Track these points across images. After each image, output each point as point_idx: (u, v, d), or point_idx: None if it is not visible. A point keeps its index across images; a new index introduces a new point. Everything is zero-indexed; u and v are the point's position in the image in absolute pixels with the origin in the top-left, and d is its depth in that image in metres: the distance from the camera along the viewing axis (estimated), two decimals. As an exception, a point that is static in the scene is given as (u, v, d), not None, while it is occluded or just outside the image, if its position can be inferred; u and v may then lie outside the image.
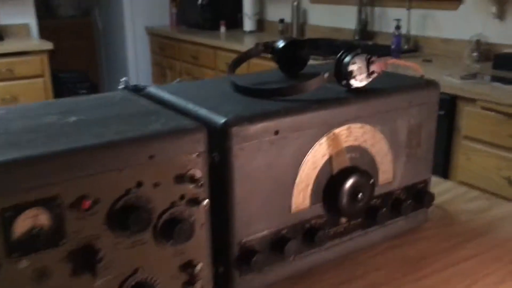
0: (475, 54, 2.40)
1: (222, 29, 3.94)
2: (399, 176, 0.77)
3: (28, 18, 3.64)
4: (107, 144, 0.52)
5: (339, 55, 0.71)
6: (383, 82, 0.80)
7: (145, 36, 4.42)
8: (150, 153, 0.54)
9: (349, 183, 0.69)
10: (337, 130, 0.68)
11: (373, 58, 0.70)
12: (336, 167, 0.70)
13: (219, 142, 0.60)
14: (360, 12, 3.15)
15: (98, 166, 0.51)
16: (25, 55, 3.19)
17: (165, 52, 4.21)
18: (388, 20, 2.96)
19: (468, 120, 1.94)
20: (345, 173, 0.70)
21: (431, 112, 0.78)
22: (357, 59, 0.70)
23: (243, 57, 0.78)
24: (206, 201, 0.58)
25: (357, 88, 0.71)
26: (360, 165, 0.72)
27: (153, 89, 0.75)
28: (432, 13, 2.77)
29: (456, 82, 2.01)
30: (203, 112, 0.63)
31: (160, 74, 4.35)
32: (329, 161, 0.69)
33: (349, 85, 0.70)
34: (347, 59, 0.70)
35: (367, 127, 0.71)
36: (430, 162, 0.81)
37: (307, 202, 0.68)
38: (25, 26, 3.64)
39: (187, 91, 0.73)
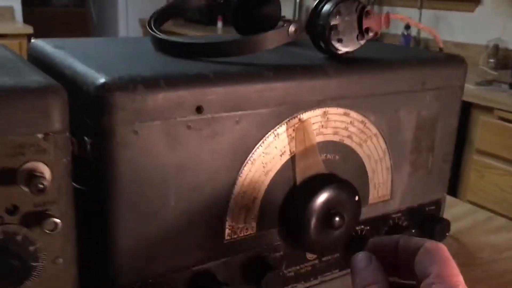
0: (492, 60, 2.15)
1: (219, 24, 3.71)
2: (399, 193, 0.52)
3: (13, 0, 3.43)
4: None
5: (316, 1, 0.46)
6: (384, 52, 0.55)
7: (139, 28, 4.20)
8: None
9: (320, 199, 0.44)
10: (305, 115, 0.43)
11: (369, 9, 0.46)
12: (301, 174, 0.45)
13: (92, 117, 0.35)
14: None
15: None
16: (3, 38, 2.98)
17: (159, 46, 3.97)
18: (397, 20, 2.71)
19: (483, 131, 1.69)
20: (315, 184, 0.45)
21: (452, 101, 0.53)
22: (343, 8, 0.45)
23: (172, 9, 0.53)
24: (57, 222, 0.33)
25: (342, 55, 0.46)
26: (340, 173, 0.47)
27: (40, 42, 0.50)
28: (446, 15, 2.52)
29: (470, 88, 1.75)
30: (79, 69, 0.38)
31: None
32: (291, 163, 0.44)
33: (329, 49, 0.46)
34: (327, 6, 0.45)
35: (354, 115, 0.46)
36: (447, 175, 0.56)
37: (251, 226, 0.43)
38: (9, 9, 3.43)
39: (88, 47, 0.48)
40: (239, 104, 0.39)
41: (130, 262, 0.38)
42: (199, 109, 0.37)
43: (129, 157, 0.35)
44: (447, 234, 0.56)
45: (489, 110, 1.67)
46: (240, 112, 0.40)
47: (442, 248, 0.31)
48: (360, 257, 0.35)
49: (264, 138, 0.41)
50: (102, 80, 0.34)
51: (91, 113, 0.35)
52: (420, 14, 2.59)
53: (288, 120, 0.42)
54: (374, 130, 0.48)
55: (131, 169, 0.36)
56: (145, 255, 0.38)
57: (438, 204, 0.56)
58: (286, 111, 0.42)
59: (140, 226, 0.37)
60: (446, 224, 0.55)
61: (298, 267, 0.48)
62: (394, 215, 0.53)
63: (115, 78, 0.34)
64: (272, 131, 0.42)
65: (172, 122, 0.36)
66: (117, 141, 0.35)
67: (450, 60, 0.52)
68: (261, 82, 0.40)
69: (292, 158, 0.44)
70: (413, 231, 0.54)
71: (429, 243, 0.32)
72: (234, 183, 0.41)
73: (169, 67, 0.39)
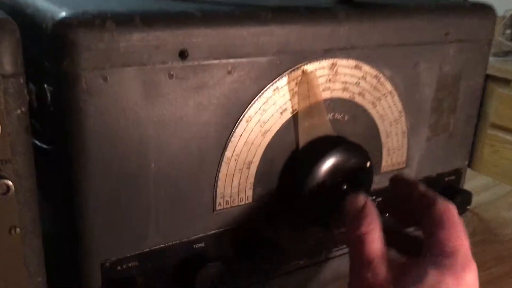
0: (508, 31, 2.05)
1: None
2: (416, 160, 0.46)
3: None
4: None
5: None
6: (401, -1, 0.49)
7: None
8: None
9: (327, 165, 0.38)
10: (310, 67, 0.37)
11: None
12: (305, 135, 0.39)
13: (52, 60, 0.29)
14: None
15: None
16: None
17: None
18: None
19: (499, 104, 1.61)
20: (321, 147, 0.39)
21: (478, 56, 0.47)
22: None
23: None
24: (9, 184, 0.28)
25: (354, -3, 0.40)
26: (349, 135, 0.41)
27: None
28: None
29: (486, 60, 1.67)
30: (41, 6, 0.32)
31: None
32: (293, 122, 0.38)
33: (340, -8, 0.39)
34: None
35: (367, 69, 0.40)
36: (469, 141, 0.50)
37: (246, 195, 0.38)
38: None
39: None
40: (232, 50, 0.33)
41: (103, 236, 0.32)
42: (182, 54, 0.31)
43: (97, 108, 0.30)
44: (467, 207, 0.50)
45: (505, 82, 1.59)
46: (232, 60, 0.33)
47: (451, 210, 0.31)
48: (353, 199, 0.33)
49: (261, 92, 0.35)
50: (62, 14, 0.28)
51: (50, 55, 0.29)
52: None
53: (290, 72, 0.36)
54: (389, 87, 0.42)
55: (100, 122, 0.30)
56: (120, 228, 0.33)
57: (458, 174, 0.50)
58: (288, 61, 0.36)
59: (114, 191, 0.32)
60: (468, 196, 0.49)
61: (299, 242, 0.42)
62: (409, 185, 0.47)
63: (78, 12, 0.28)
64: (270, 84, 0.36)
65: (150, 68, 0.30)
66: (83, 89, 0.29)
67: (477, 9, 0.46)
68: (258, 25, 0.34)
69: (294, 117, 0.38)
70: (431, 203, 0.49)
71: (440, 203, 0.31)
72: (225, 145, 0.35)
73: (148, 4, 0.33)
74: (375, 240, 0.31)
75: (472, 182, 0.70)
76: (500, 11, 2.19)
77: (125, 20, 0.29)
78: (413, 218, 0.34)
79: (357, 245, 0.32)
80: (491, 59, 1.73)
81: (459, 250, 0.30)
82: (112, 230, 0.32)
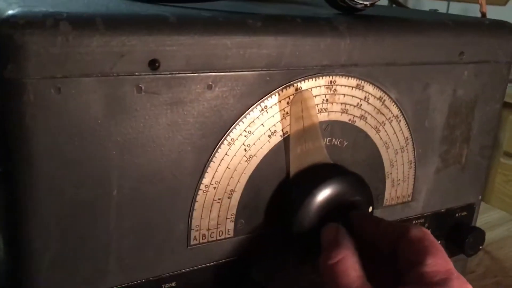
0: (523, 57, 2.00)
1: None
2: (423, 194, 0.42)
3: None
4: None
5: None
6: (412, 14, 0.44)
7: None
8: None
9: (320, 197, 0.33)
10: (304, 84, 0.33)
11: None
12: (297, 162, 0.34)
13: (-5, 66, 0.25)
14: (391, 1, 2.77)
15: None
16: None
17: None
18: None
19: (512, 132, 1.55)
20: (314, 177, 0.34)
21: (496, 80, 0.42)
22: None
23: None
24: None
25: (358, 9, 0.35)
26: (348, 164, 0.36)
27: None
28: (475, 8, 2.38)
29: (500, 86, 1.62)
30: (-6, 3, 0.27)
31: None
32: (283, 147, 0.33)
33: (344, 2, 0.35)
34: None
35: (370, 89, 0.35)
36: (483, 174, 0.45)
37: (226, 229, 0.33)
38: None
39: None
40: (213, 62, 0.29)
41: (53, 273, 0.27)
42: (153, 64, 0.27)
43: (48, 124, 0.25)
44: (480, 247, 0.45)
45: (519, 109, 1.53)
46: (213, 73, 0.29)
47: (429, 235, 0.29)
48: (327, 229, 0.32)
49: (247, 112, 0.31)
50: (9, 12, 0.24)
51: (-5, 60, 0.25)
52: (448, 5, 2.45)
53: (281, 89, 0.32)
54: (395, 110, 0.37)
55: (51, 141, 0.25)
56: (74, 264, 0.28)
57: (471, 210, 0.45)
58: (279, 77, 0.31)
59: (67, 222, 0.27)
60: (481, 235, 0.44)
61: (289, 283, 0.37)
62: (415, 221, 0.42)
63: (27, 11, 0.24)
64: (258, 102, 0.31)
65: (113, 80, 0.26)
66: (30, 101, 0.24)
67: (496, 27, 0.41)
68: (245, 34, 0.29)
69: (286, 141, 0.33)
70: (439, 242, 0.43)
71: (415, 230, 0.29)
72: (203, 170, 0.31)
73: (115, 5, 0.29)
74: (348, 269, 0.28)
75: (483, 216, 0.65)
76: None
77: (84, 22, 0.25)
78: (381, 255, 0.31)
79: (331, 278, 0.28)
80: (504, 85, 1.67)
81: (452, 274, 0.27)
82: (64, 266, 0.28)
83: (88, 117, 0.26)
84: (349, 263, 0.29)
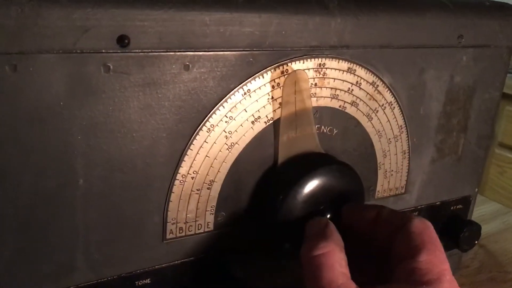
0: (520, 48, 1.98)
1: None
2: (417, 185, 0.39)
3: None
4: None
5: None
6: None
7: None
8: None
9: (308, 188, 0.31)
10: (292, 66, 0.30)
11: None
12: (286, 150, 0.32)
13: None
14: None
15: None
16: None
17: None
18: None
19: (508, 123, 1.53)
20: (303, 166, 0.32)
21: (496, 66, 0.40)
22: None
23: None
24: None
25: (350, -14, 0.33)
26: (338, 153, 0.34)
27: None
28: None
29: (496, 76, 1.59)
30: None
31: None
32: (272, 133, 0.31)
33: (333, -21, 0.32)
34: None
35: (362, 73, 0.33)
36: (480, 165, 0.43)
37: (206, 221, 0.31)
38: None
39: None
40: (190, 41, 0.26)
41: (13, 269, 0.25)
42: (122, 41, 0.24)
43: (3, 106, 0.23)
44: (476, 242, 0.43)
45: (516, 100, 1.51)
46: (190, 53, 0.26)
47: (430, 229, 0.27)
48: (315, 221, 0.29)
49: (228, 96, 0.28)
50: (-43, -21, 0.21)
51: None
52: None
53: (266, 72, 0.29)
54: (388, 97, 0.35)
55: (6, 125, 0.23)
56: (36, 259, 0.25)
57: (467, 203, 0.43)
58: (263, 58, 0.29)
59: (28, 213, 0.25)
60: (476, 229, 0.42)
61: (273, 279, 0.35)
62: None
63: (-21, -23, 0.22)
64: (240, 85, 0.29)
65: (77, 57, 0.24)
66: (-17, 79, 0.22)
67: (497, 9, 0.39)
68: (226, 10, 0.27)
69: (275, 126, 0.31)
70: (433, 236, 0.41)
71: (417, 221, 0.27)
72: (180, 159, 0.28)
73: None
74: (334, 263, 0.26)
75: (478, 208, 0.63)
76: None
77: (45, -7, 0.22)
78: (375, 247, 0.29)
79: (313, 270, 0.26)
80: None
81: (445, 276, 0.25)
82: (25, 261, 0.25)
83: (49, 98, 0.23)
84: (336, 257, 0.26)
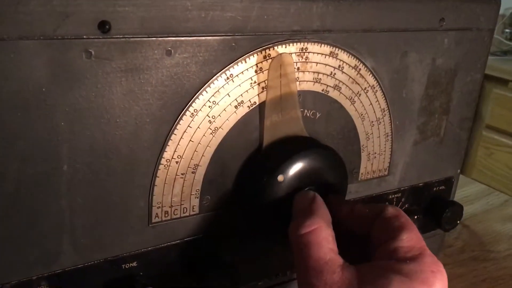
0: (508, 30, 1.99)
1: None
2: (400, 167, 0.40)
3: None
4: None
5: None
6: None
7: None
8: None
9: (293, 170, 0.32)
10: (273, 52, 0.30)
11: None
12: (270, 134, 0.32)
13: None
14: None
15: None
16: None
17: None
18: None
19: (495, 106, 1.55)
20: (287, 150, 0.32)
21: (478, 49, 0.40)
22: None
23: None
24: None
25: (332, -30, 0.33)
26: (321, 137, 0.34)
27: None
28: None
29: (483, 59, 1.60)
30: None
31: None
32: (252, 119, 0.31)
33: (315, -37, 0.32)
34: None
35: (344, 57, 0.33)
36: (462, 147, 0.43)
37: (192, 204, 0.31)
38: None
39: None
40: (171, 26, 0.26)
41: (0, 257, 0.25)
42: (103, 26, 0.24)
43: (-15, 93, 0.23)
44: (458, 221, 0.44)
45: (503, 82, 1.53)
46: (173, 38, 0.27)
47: (403, 213, 0.29)
48: (302, 195, 0.30)
49: (211, 81, 0.29)
50: None
51: None
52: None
53: (248, 57, 0.30)
54: (371, 80, 0.35)
55: (-11, 111, 0.23)
56: (22, 243, 0.26)
57: (449, 184, 0.44)
58: (245, 42, 0.29)
59: (13, 198, 0.25)
60: (458, 210, 0.43)
61: (259, 261, 0.35)
62: (392, 196, 0.41)
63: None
64: (223, 70, 0.29)
65: (58, 43, 0.24)
66: (-38, 66, 0.22)
67: (479, -7, 0.39)
68: (206, -5, 0.27)
69: (260, 109, 0.31)
70: (416, 217, 0.42)
71: (391, 208, 0.29)
72: (164, 144, 0.28)
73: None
74: (322, 240, 0.27)
75: (463, 189, 0.64)
76: (500, 9, 2.13)
77: (20, -23, 0.22)
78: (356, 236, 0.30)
79: (302, 248, 0.27)
80: (489, 58, 1.67)
81: (426, 251, 0.27)
82: (11, 245, 0.26)
83: (31, 85, 0.24)
84: (323, 234, 0.27)
